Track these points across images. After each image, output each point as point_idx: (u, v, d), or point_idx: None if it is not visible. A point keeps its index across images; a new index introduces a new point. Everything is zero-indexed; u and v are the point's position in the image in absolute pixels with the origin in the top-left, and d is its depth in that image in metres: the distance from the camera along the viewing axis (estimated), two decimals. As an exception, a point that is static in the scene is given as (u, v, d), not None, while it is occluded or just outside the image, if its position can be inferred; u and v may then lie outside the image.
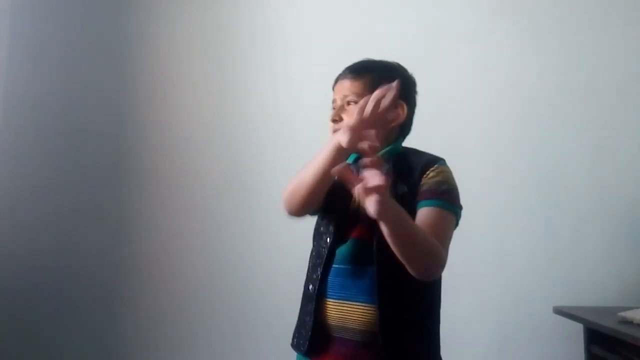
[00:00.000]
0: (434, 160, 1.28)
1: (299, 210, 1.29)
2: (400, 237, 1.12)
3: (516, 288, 2.17)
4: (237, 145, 2.36)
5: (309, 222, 2.07)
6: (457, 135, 2.23)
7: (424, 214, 1.21)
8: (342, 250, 1.27)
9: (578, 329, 1.96)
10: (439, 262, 1.17)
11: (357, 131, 1.14)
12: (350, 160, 1.31)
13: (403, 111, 1.30)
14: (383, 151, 1.28)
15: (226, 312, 2.28)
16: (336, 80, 1.36)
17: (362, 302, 1.22)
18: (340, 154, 1.18)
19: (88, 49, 2.40)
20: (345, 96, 1.31)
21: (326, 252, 1.28)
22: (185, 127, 2.38)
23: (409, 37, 2.28)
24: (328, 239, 1.29)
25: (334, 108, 1.33)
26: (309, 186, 1.24)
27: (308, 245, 2.06)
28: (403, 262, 1.14)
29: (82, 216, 2.31)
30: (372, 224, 1.14)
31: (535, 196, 2.23)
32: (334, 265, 1.27)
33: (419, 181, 1.25)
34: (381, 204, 1.01)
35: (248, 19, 2.40)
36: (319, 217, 1.36)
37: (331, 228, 1.29)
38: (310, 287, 1.29)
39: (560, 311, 1.97)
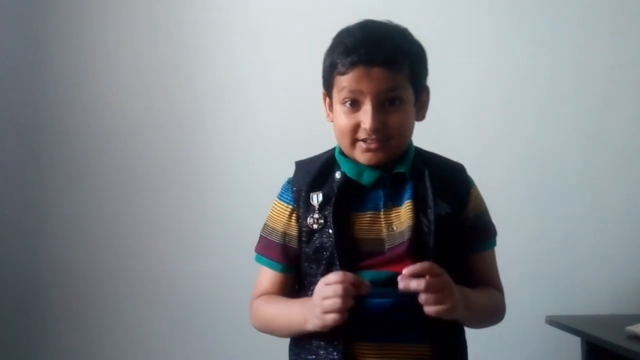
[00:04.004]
0: (468, 179, 1.18)
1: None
2: (475, 320, 1.13)
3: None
4: (189, 132, 2.05)
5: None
6: (441, 123, 1.99)
7: (488, 260, 1.18)
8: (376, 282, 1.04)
9: (574, 341, 1.75)
10: (504, 312, 1.20)
11: None
12: (370, 180, 1.11)
13: (428, 97, 1.17)
14: (410, 157, 1.14)
15: (165, 322, 2.01)
16: (352, 66, 1.05)
17: (413, 342, 1.04)
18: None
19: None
20: (387, 91, 1.06)
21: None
22: (125, 109, 2.04)
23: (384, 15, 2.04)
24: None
25: (351, 100, 1.07)
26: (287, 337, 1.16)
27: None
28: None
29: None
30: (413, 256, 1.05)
31: (525, 193, 2.01)
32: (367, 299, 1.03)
33: (462, 207, 1.13)
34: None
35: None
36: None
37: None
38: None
39: (554, 322, 1.76)
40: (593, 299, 1.96)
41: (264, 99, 2.06)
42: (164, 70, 2.07)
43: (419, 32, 1.19)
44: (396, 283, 0.99)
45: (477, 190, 1.18)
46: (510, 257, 1.95)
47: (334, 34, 1.97)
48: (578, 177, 2.03)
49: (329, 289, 0.98)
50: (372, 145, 1.07)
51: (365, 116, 1.05)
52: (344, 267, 1.03)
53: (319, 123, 1.95)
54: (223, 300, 1.99)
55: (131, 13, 2.09)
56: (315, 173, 1.13)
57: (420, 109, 1.15)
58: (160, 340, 2.01)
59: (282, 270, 1.14)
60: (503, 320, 1.92)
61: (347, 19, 2.00)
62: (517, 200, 2.00)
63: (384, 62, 1.05)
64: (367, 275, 1.03)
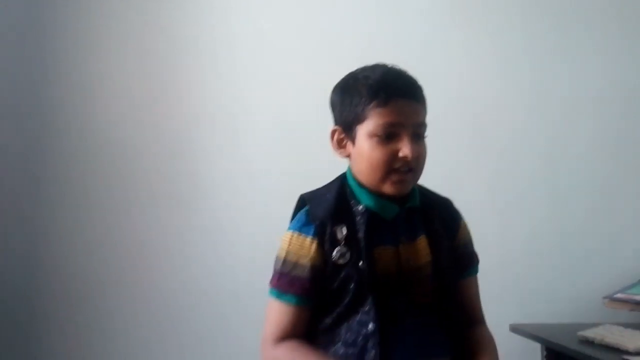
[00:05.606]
0: (458, 212, 1.27)
1: None
2: None
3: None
4: (175, 150, 2.19)
5: (253, 244, 1.92)
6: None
7: (473, 284, 1.26)
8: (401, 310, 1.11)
9: (535, 348, 1.87)
10: None
11: None
12: (391, 214, 1.15)
13: None
14: (416, 192, 1.20)
15: (156, 333, 2.11)
16: (391, 98, 1.10)
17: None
18: None
19: (7, 41, 2.18)
20: (420, 125, 1.14)
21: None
22: (117, 127, 2.18)
23: (363, 45, 2.15)
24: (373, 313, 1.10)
25: (388, 132, 1.10)
26: None
27: (249, 265, 1.86)
28: None
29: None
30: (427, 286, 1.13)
31: (489, 205, 2.14)
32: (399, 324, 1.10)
33: (454, 237, 1.22)
34: None
35: (192, 12, 2.22)
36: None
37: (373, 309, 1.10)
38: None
39: (517, 329, 1.88)
40: (554, 308, 2.09)
41: (248, 126, 2.20)
42: (155, 97, 2.20)
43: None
44: (419, 312, 1.10)
45: (465, 222, 1.27)
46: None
47: (317, 66, 2.15)
48: (540, 192, 2.16)
49: None
50: (405, 176, 1.11)
51: (406, 146, 1.09)
52: (375, 300, 1.08)
53: (299, 150, 2.11)
54: (207, 311, 2.11)
55: (121, 39, 2.22)
56: (334, 205, 1.14)
57: None
58: (148, 349, 2.11)
59: (308, 305, 1.12)
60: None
61: (330, 52, 2.18)
62: (482, 211, 2.11)
63: (416, 96, 1.14)
64: (395, 302, 1.10)
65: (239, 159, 2.18)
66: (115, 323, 2.12)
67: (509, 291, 2.07)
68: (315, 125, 2.08)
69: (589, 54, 2.23)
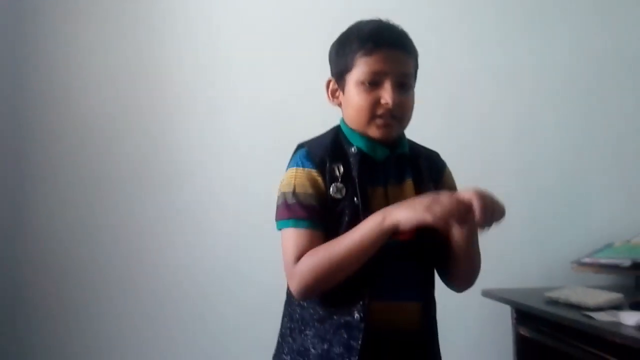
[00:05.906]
0: (443, 162, 1.33)
1: (325, 290, 1.16)
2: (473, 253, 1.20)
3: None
4: (158, 132, 2.22)
5: (238, 222, 1.95)
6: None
7: None
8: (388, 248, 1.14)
9: (506, 310, 1.97)
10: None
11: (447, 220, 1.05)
12: (381, 156, 1.21)
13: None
14: (405, 141, 1.26)
15: (144, 316, 2.16)
16: (377, 47, 1.15)
17: (411, 300, 1.19)
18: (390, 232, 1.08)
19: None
20: (405, 74, 1.18)
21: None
22: (97, 111, 2.21)
23: (340, 18, 2.18)
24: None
25: (372, 80, 1.16)
26: (349, 271, 1.11)
27: (233, 244, 1.91)
28: (458, 277, 1.25)
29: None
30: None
31: (462, 176, 2.20)
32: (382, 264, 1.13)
33: (439, 182, 1.27)
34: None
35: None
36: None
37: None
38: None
39: (488, 293, 1.97)
40: (525, 273, 2.18)
41: (229, 102, 2.24)
42: (134, 77, 2.23)
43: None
44: (405, 249, 1.15)
45: (449, 171, 1.33)
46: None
47: (298, 38, 2.17)
48: (511, 160, 2.25)
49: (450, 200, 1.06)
50: (389, 121, 1.16)
51: (387, 93, 1.14)
52: None
53: (282, 124, 2.15)
54: (191, 290, 2.17)
55: (102, 23, 2.25)
56: (330, 146, 1.20)
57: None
58: (134, 330, 2.17)
59: (321, 229, 1.15)
60: (444, 294, 2.13)
61: (312, 25, 2.18)
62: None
63: (403, 47, 1.18)
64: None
65: (219, 134, 2.23)
66: (100, 304, 2.16)
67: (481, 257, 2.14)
68: (297, 104, 2.16)
69: (557, 25, 2.31)
